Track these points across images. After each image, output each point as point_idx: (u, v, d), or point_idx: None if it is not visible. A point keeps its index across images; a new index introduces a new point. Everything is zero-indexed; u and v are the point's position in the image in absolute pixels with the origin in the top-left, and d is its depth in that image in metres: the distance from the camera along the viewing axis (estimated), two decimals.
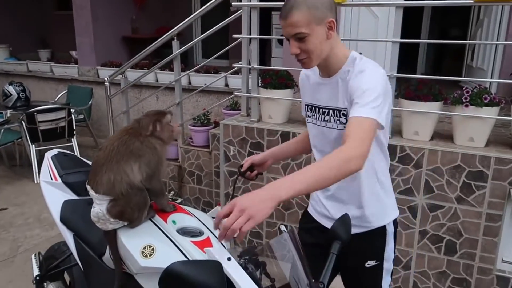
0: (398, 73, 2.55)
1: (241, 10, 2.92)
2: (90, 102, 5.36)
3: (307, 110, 1.53)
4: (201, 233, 1.45)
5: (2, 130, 4.42)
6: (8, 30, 7.31)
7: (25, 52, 7.28)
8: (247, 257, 1.24)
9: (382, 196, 1.50)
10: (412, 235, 2.59)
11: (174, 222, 1.47)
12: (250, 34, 2.89)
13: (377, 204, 1.49)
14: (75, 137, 4.72)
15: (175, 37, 3.46)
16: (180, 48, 3.46)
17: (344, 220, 1.41)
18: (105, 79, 3.94)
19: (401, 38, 2.49)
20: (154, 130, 1.45)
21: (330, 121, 1.43)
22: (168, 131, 1.49)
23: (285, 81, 2.87)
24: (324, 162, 1.16)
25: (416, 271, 2.63)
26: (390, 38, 2.55)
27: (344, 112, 1.36)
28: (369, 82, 1.27)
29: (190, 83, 4.98)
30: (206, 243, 1.40)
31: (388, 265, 1.55)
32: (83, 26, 5.81)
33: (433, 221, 2.51)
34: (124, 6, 6.16)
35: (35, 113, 4.24)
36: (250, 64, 2.93)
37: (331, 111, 1.41)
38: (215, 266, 0.96)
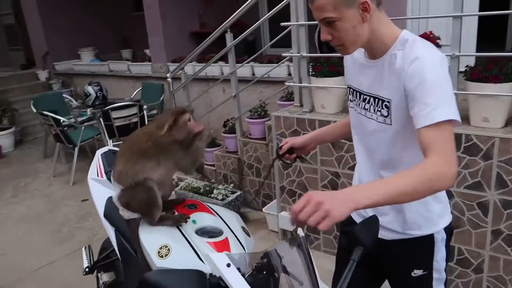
0: (483, 51, 2.23)
1: None
2: (161, 98, 5.60)
3: (349, 93, 1.38)
4: (220, 233, 1.41)
5: (83, 127, 4.81)
6: (93, 33, 7.94)
7: (109, 53, 7.84)
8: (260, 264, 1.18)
9: (429, 200, 1.29)
10: (483, 235, 2.29)
11: (194, 221, 1.45)
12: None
13: (421, 209, 1.30)
14: None
15: (228, 30, 3.44)
16: (234, 40, 3.44)
17: (370, 222, 1.27)
18: (167, 75, 4.07)
19: (486, 9, 2.16)
20: (169, 130, 1.40)
21: (369, 110, 1.27)
22: (184, 131, 1.42)
23: (336, 68, 2.70)
24: (408, 177, 1.04)
25: (490, 275, 2.33)
26: (467, 12, 2.25)
27: (387, 103, 1.19)
28: (431, 74, 1.08)
29: (254, 74, 4.94)
30: (224, 244, 1.36)
31: (439, 275, 1.37)
32: (153, 25, 6.08)
33: (508, 220, 2.20)
34: (191, 2, 6.32)
35: (110, 110, 4.54)
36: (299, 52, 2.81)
37: (372, 99, 1.26)
38: (197, 276, 0.91)
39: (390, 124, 1.21)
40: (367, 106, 1.28)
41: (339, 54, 2.78)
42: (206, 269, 1.21)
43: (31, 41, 8.01)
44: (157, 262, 1.33)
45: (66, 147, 5.01)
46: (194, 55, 3.91)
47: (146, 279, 0.86)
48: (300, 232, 1.24)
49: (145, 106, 5.03)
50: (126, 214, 1.50)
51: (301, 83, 2.88)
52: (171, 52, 6.14)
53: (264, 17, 3.22)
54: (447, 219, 1.35)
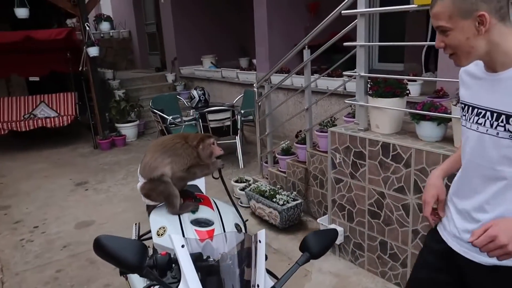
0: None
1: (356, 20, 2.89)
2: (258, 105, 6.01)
3: (461, 109, 1.35)
4: (209, 224, 1.66)
5: (183, 126, 5.47)
6: (216, 42, 8.82)
7: (229, 60, 8.63)
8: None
9: None
10: (406, 234, 2.09)
11: (193, 212, 1.73)
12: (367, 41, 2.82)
13: None
14: (238, 134, 5.42)
15: (306, 46, 3.64)
16: (311, 55, 3.62)
17: (325, 234, 1.40)
18: (254, 85, 4.43)
19: None
20: (197, 145, 1.78)
21: (484, 124, 1.22)
22: (207, 150, 1.79)
23: (392, 89, 2.70)
24: None
25: None
26: None
27: None
28: None
29: (345, 88, 5.02)
30: (209, 233, 1.61)
31: None
32: (260, 37, 6.54)
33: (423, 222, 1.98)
34: (298, 15, 6.62)
35: (206, 113, 5.09)
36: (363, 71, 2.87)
37: (488, 113, 1.20)
38: (138, 246, 1.16)
39: None
40: (481, 120, 1.23)
41: (398, 76, 2.82)
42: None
43: (165, 47, 9.25)
44: (154, 239, 1.65)
45: None
46: (278, 67, 4.18)
47: (96, 240, 1.14)
48: (261, 234, 1.39)
49: (242, 111, 5.49)
50: (146, 201, 1.85)
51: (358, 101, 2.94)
52: (274, 63, 6.52)
53: (334, 37, 3.31)
54: None
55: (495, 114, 1.18)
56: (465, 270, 1.33)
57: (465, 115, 1.31)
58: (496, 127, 1.18)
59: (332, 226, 3.16)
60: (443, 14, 1.14)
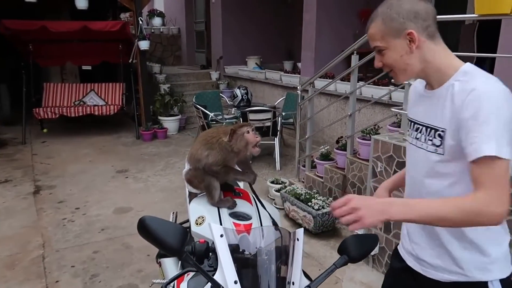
0: None
1: None
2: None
3: (407, 125, 1.41)
4: (247, 218, 1.67)
5: (224, 123, 5.54)
6: (262, 44, 8.90)
7: (274, 63, 8.67)
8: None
9: (483, 240, 1.22)
10: None
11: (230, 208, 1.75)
12: None
13: (473, 251, 1.23)
14: (277, 136, 5.42)
15: (355, 52, 3.59)
16: (359, 61, 3.57)
17: (366, 238, 1.38)
18: (297, 87, 4.42)
19: None
20: (230, 139, 1.75)
21: (420, 139, 1.28)
22: (240, 140, 1.74)
23: None
24: (452, 206, 1.08)
25: None
26: None
27: (441, 133, 1.19)
28: (487, 106, 1.07)
29: (390, 98, 4.93)
30: (246, 226, 1.62)
31: None
32: (307, 41, 6.52)
33: None
34: (348, 21, 6.54)
35: (248, 112, 5.13)
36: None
37: (424, 128, 1.27)
38: (180, 230, 1.19)
39: (442, 154, 1.20)
40: (418, 135, 1.29)
41: None
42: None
43: (212, 45, 9.41)
44: (193, 227, 1.68)
45: None
46: (324, 71, 4.15)
47: (141, 220, 1.18)
48: (300, 232, 1.39)
49: (283, 113, 5.49)
50: (189, 187, 1.89)
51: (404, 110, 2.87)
52: (320, 67, 6.47)
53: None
54: (504, 269, 1.24)
55: (428, 129, 1.25)
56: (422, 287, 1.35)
57: (408, 130, 1.38)
58: (426, 141, 1.25)
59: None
60: (377, 34, 1.21)
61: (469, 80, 1.13)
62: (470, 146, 1.08)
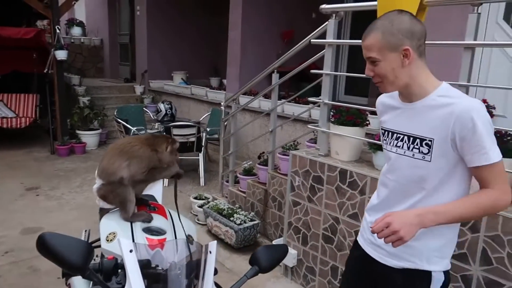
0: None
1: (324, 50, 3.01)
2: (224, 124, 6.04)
3: (382, 134, 1.54)
4: (161, 233, 1.64)
5: None
6: (188, 59, 8.87)
7: (200, 79, 8.65)
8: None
9: (440, 237, 1.40)
10: None
11: (145, 222, 1.70)
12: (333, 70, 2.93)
13: (431, 241, 1.39)
14: (202, 151, 5.40)
15: (275, 70, 3.73)
16: (279, 79, 3.70)
17: (276, 249, 1.41)
18: (221, 103, 4.46)
19: None
20: (165, 149, 1.73)
21: (402, 147, 1.41)
22: (171, 154, 1.75)
23: (353, 118, 2.81)
24: (472, 201, 1.29)
25: None
26: None
27: (429, 142, 1.33)
28: (481, 119, 1.24)
29: (311, 115, 5.16)
30: (160, 241, 1.58)
31: None
32: (233, 58, 6.63)
33: None
34: (272, 41, 6.77)
35: (172, 127, 5.06)
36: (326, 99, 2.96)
37: (406, 137, 1.40)
38: (83, 246, 1.14)
39: (430, 161, 1.34)
40: (399, 143, 1.42)
41: (359, 106, 2.93)
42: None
43: (136, 58, 9.18)
44: (103, 244, 1.60)
45: None
46: (247, 89, 4.25)
47: (40, 236, 1.11)
48: (213, 244, 1.39)
49: (208, 129, 5.49)
50: (101, 203, 1.81)
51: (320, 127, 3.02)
52: (245, 84, 6.61)
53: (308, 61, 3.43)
54: (446, 264, 1.43)
55: (411, 138, 1.37)
56: (378, 274, 1.51)
57: (385, 140, 1.50)
58: (412, 149, 1.37)
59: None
60: (374, 46, 1.31)
61: (453, 97, 1.30)
62: (474, 155, 1.26)
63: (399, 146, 1.41)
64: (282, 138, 5.26)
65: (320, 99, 2.97)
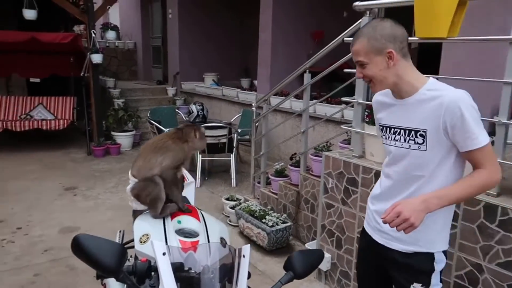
0: None
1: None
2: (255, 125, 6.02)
3: (380, 130, 1.65)
4: (194, 236, 1.62)
5: None
6: (219, 61, 8.93)
7: (231, 80, 8.69)
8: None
9: (439, 221, 1.52)
10: None
11: (179, 221, 1.70)
12: None
13: (432, 227, 1.50)
14: (233, 153, 5.40)
15: (307, 70, 3.68)
16: (311, 79, 3.65)
17: (311, 254, 1.37)
18: (252, 104, 4.44)
19: None
20: (194, 136, 1.82)
21: (399, 140, 1.53)
22: (201, 139, 1.85)
23: None
24: (468, 183, 1.41)
25: None
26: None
27: (423, 133, 1.45)
28: (468, 107, 1.36)
29: (343, 116, 5.06)
30: (193, 244, 1.57)
31: None
32: (263, 59, 6.61)
33: None
34: (302, 42, 6.72)
35: (204, 128, 5.08)
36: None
37: (402, 131, 1.52)
38: (117, 248, 1.13)
39: (425, 150, 1.46)
40: (397, 137, 1.54)
41: None
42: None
43: (168, 61, 9.32)
44: (136, 246, 1.61)
45: None
46: (278, 89, 4.21)
47: (75, 238, 1.11)
48: (246, 248, 1.37)
49: (239, 130, 5.49)
50: (134, 205, 1.82)
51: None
52: (275, 85, 6.57)
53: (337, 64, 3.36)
54: (445, 245, 1.57)
55: (406, 131, 1.50)
56: (386, 258, 1.62)
57: (384, 135, 1.61)
58: (408, 141, 1.50)
59: None
60: (361, 51, 1.44)
61: (441, 90, 1.41)
62: (466, 140, 1.37)
63: (397, 140, 1.53)
64: (314, 139, 5.19)
65: (354, 99, 2.89)
